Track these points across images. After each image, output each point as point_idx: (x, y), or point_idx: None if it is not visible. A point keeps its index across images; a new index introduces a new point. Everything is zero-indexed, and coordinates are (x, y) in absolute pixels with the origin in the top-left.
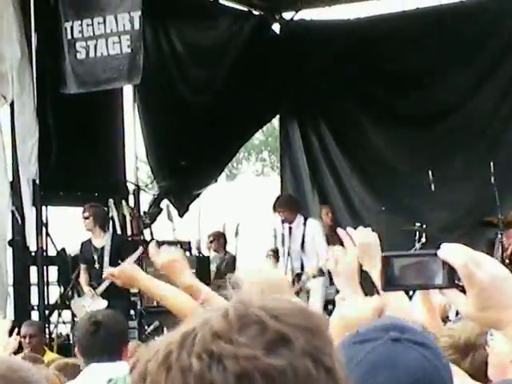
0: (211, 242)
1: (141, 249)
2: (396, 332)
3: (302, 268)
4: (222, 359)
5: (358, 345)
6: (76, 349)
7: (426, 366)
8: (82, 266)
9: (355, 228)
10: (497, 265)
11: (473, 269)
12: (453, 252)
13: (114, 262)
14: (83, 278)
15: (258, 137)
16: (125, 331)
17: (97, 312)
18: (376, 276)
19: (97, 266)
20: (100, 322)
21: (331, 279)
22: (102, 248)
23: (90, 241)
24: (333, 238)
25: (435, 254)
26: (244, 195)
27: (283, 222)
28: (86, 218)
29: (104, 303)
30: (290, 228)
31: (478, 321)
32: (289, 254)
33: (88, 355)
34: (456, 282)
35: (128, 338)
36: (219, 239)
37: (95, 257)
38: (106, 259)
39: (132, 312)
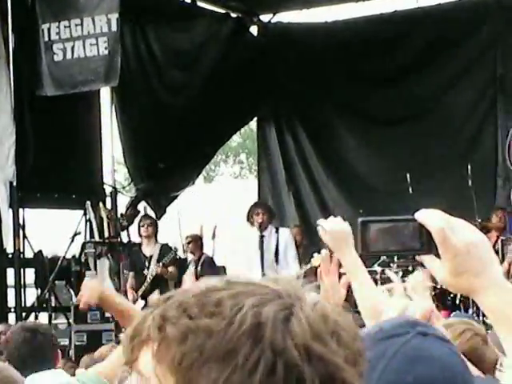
0: (188, 243)
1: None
2: (422, 328)
3: None
4: (312, 359)
5: (386, 340)
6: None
7: (454, 359)
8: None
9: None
10: (473, 230)
11: (448, 233)
12: (430, 216)
13: None
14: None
15: (236, 139)
16: (55, 337)
17: (23, 322)
18: (347, 263)
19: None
20: (35, 328)
21: None
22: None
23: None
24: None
25: (413, 219)
26: (221, 197)
27: (260, 225)
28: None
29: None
30: (262, 236)
31: (453, 286)
32: (262, 263)
33: (24, 365)
34: (432, 247)
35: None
36: (196, 241)
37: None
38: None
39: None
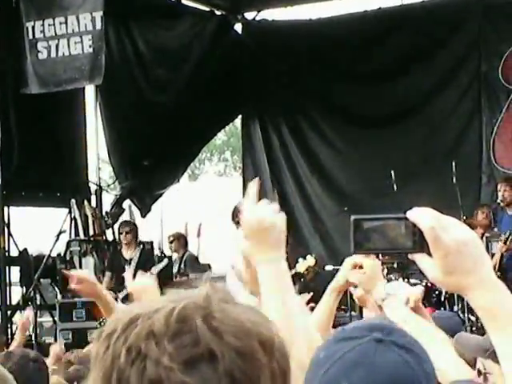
0: (171, 242)
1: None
2: (381, 333)
3: None
4: (145, 360)
5: (342, 342)
6: None
7: (404, 369)
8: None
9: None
10: (464, 229)
11: (439, 232)
12: (421, 215)
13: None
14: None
15: (220, 137)
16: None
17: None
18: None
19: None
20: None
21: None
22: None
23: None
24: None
25: (405, 218)
26: (206, 195)
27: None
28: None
29: None
30: None
31: (444, 285)
32: None
33: None
34: (424, 245)
35: None
36: (179, 240)
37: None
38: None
39: None
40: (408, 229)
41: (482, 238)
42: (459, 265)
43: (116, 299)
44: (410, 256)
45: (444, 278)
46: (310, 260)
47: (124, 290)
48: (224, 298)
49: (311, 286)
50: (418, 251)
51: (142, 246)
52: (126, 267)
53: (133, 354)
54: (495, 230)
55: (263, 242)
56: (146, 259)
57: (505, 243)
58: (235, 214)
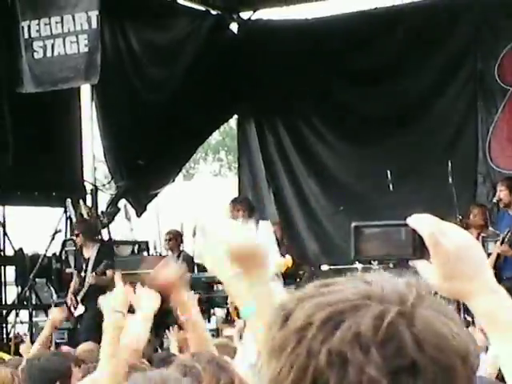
0: (169, 240)
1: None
2: None
3: None
4: (347, 365)
5: None
6: None
7: None
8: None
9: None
10: (464, 235)
11: (440, 238)
12: (421, 221)
13: None
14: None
15: (215, 137)
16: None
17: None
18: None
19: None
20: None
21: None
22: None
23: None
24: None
25: (405, 224)
26: (201, 195)
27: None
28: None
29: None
30: None
31: (445, 291)
32: None
33: None
34: (424, 252)
35: None
36: (176, 238)
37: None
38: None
39: None
40: (408, 235)
41: (477, 238)
42: (460, 271)
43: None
44: (410, 262)
45: (445, 284)
46: (288, 261)
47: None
48: (420, 298)
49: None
50: (418, 258)
51: (99, 244)
52: (84, 267)
53: (334, 357)
54: (490, 229)
55: (251, 266)
56: (103, 258)
57: (502, 243)
58: (231, 210)
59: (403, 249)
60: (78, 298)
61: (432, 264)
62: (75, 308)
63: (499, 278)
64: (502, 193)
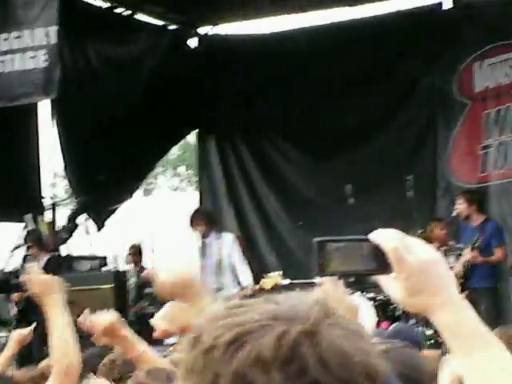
0: (132, 254)
1: None
2: None
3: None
4: None
5: None
6: None
7: None
8: None
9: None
10: (428, 250)
11: (403, 253)
12: (384, 236)
13: None
14: None
15: (174, 151)
16: None
17: None
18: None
19: None
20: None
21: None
22: None
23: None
24: None
25: (368, 239)
26: (161, 210)
27: (202, 235)
28: None
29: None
30: (204, 244)
31: (409, 306)
32: (205, 270)
33: None
34: (387, 267)
35: None
36: (139, 253)
37: None
38: None
39: None
40: (371, 250)
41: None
42: (423, 285)
43: None
44: (373, 278)
45: (408, 299)
46: (277, 277)
47: None
48: (327, 318)
49: None
50: (381, 272)
51: (49, 255)
52: None
53: (238, 379)
54: (450, 243)
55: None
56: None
57: (472, 250)
58: (192, 222)
59: (366, 264)
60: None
61: (395, 279)
62: None
63: (465, 288)
64: (460, 206)
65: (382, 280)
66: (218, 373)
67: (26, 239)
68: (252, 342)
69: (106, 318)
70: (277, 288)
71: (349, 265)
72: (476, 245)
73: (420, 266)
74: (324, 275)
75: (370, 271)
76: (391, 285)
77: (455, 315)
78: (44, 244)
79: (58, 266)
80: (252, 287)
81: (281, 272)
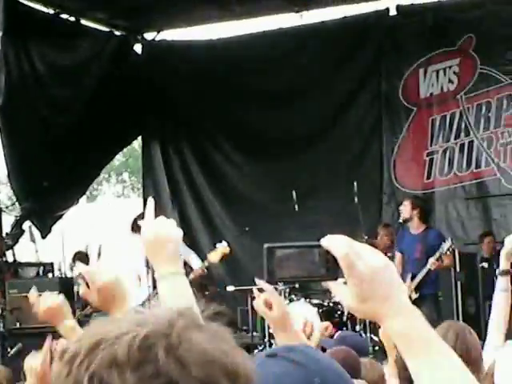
0: (76, 260)
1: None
2: (282, 350)
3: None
4: None
5: (264, 358)
6: None
7: (284, 379)
8: None
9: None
10: (378, 256)
11: (353, 259)
12: (335, 242)
13: None
14: None
15: (119, 158)
16: None
17: None
18: None
19: None
20: None
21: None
22: None
23: None
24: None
25: (319, 245)
26: (105, 216)
27: None
28: None
29: None
30: None
31: (359, 312)
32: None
33: None
34: (337, 273)
35: None
36: (84, 258)
37: None
38: None
39: None
40: (322, 256)
41: None
42: (374, 292)
43: None
44: (323, 284)
45: (359, 306)
46: (224, 248)
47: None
48: (190, 323)
49: (212, 305)
50: (331, 278)
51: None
52: None
53: (95, 382)
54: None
55: (160, 254)
56: None
57: (437, 260)
58: (134, 225)
59: (317, 270)
60: None
61: (346, 285)
62: None
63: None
64: (404, 208)
65: (332, 286)
66: (79, 378)
67: None
68: (109, 347)
69: (52, 299)
70: (225, 258)
71: (298, 271)
72: (448, 252)
73: (370, 273)
74: (273, 281)
75: (319, 277)
76: (341, 291)
77: (406, 321)
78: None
79: None
80: (201, 266)
81: (225, 244)
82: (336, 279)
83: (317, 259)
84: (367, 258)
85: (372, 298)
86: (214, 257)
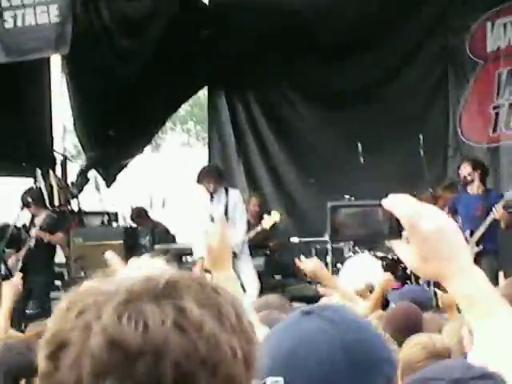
0: (133, 218)
1: None
2: (317, 309)
3: None
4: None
5: (296, 316)
6: None
7: (318, 335)
8: None
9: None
10: (441, 216)
11: (416, 219)
12: (397, 202)
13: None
14: None
15: (184, 107)
16: None
17: None
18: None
19: None
20: None
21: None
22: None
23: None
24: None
25: (381, 205)
26: (169, 166)
27: (211, 194)
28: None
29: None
30: (212, 197)
31: (422, 272)
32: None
33: None
34: (401, 232)
35: None
36: (140, 215)
37: None
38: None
39: (59, 283)
40: (385, 215)
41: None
42: (437, 252)
43: None
44: (387, 243)
45: (422, 265)
46: (276, 215)
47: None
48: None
49: (276, 257)
50: (394, 238)
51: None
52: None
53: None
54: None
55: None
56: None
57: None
58: (201, 179)
59: (380, 229)
60: (20, 256)
61: (409, 245)
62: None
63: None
64: (464, 169)
65: (395, 245)
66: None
67: (23, 198)
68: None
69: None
70: (276, 226)
71: (362, 230)
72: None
73: (434, 234)
74: (337, 239)
75: (383, 236)
76: (404, 250)
77: (469, 281)
78: (43, 201)
79: (57, 223)
80: (253, 230)
81: (278, 212)
82: (399, 238)
83: (380, 218)
84: (430, 218)
85: (435, 258)
86: (266, 223)
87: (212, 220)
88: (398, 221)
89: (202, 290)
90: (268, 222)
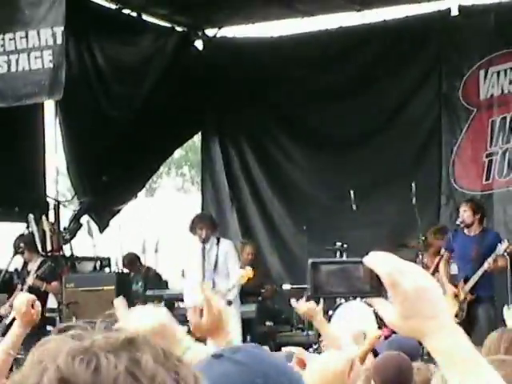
0: (125, 264)
1: None
2: (229, 352)
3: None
4: None
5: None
6: None
7: (225, 379)
8: None
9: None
10: (422, 275)
11: (397, 277)
12: (379, 260)
13: None
14: None
15: (178, 151)
16: None
17: None
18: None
19: None
20: None
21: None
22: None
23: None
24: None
25: (361, 262)
26: (164, 210)
27: (203, 241)
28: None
29: None
30: (204, 248)
31: (402, 329)
32: (203, 274)
33: None
34: (381, 290)
35: None
36: (132, 262)
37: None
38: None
39: (50, 328)
40: (365, 272)
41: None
42: (418, 310)
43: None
44: (367, 300)
45: (402, 323)
46: (247, 273)
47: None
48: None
49: (268, 304)
50: (375, 295)
51: (41, 258)
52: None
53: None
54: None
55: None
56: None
57: (494, 261)
58: (193, 227)
59: (360, 286)
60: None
61: (390, 302)
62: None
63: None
64: (465, 213)
65: (376, 302)
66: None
67: (16, 244)
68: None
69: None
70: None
71: (343, 286)
72: (505, 254)
73: (415, 292)
74: (318, 296)
75: (363, 293)
76: (385, 307)
77: (448, 340)
78: (35, 247)
79: (52, 270)
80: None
81: (249, 269)
82: (380, 296)
83: (361, 275)
84: (411, 276)
85: (415, 316)
86: (240, 281)
87: (203, 268)
88: (378, 278)
89: (164, 353)
90: (242, 278)
